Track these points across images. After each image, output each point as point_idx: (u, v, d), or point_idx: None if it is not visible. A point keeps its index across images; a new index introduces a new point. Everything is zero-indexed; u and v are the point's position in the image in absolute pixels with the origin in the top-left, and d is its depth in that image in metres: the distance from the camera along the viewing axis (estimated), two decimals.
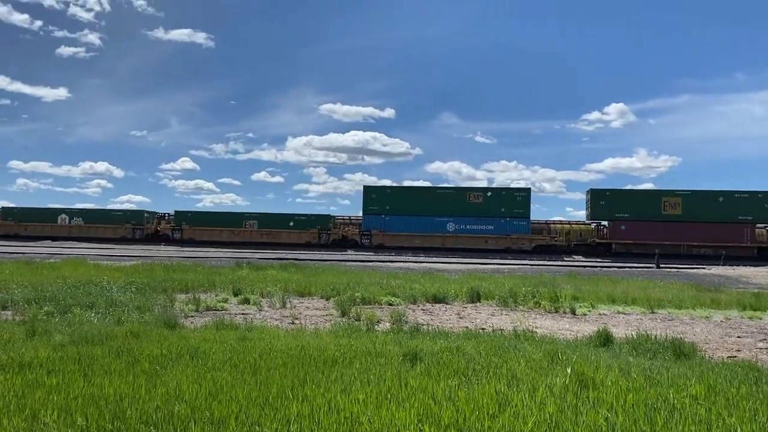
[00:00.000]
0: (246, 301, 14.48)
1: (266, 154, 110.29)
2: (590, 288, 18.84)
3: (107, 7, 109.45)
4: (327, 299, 15.36)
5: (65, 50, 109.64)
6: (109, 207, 60.63)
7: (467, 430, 4.58)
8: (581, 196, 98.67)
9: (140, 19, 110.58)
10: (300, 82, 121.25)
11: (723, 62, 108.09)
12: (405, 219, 51.14)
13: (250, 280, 18.30)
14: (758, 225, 47.86)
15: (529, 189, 51.28)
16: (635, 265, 38.64)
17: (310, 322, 11.55)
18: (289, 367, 6.74)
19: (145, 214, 57.49)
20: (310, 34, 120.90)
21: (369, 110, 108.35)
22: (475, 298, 16.05)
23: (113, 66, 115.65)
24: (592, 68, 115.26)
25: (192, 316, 12.14)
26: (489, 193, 51.43)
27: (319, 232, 52.91)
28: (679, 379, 6.36)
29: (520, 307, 14.97)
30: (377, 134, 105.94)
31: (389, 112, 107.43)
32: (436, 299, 15.66)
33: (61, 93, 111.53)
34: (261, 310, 13.35)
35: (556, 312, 14.36)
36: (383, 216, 51.45)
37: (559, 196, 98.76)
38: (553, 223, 53.10)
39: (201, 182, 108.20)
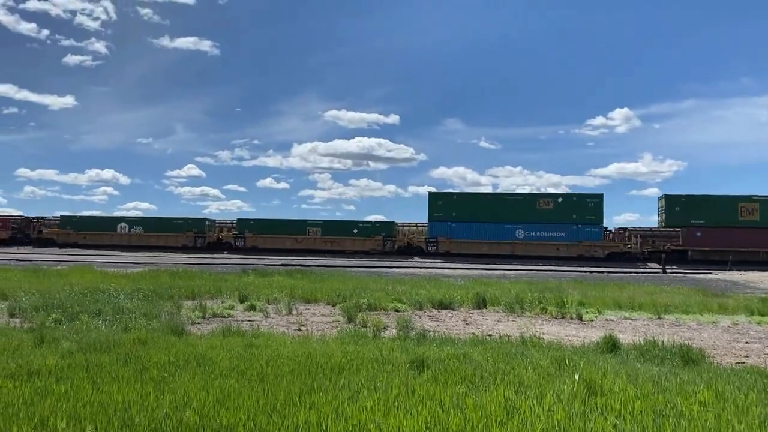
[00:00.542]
0: (252, 308, 14.49)
1: (271, 160, 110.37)
2: (596, 294, 18.78)
3: (113, 16, 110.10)
4: (333, 305, 15.37)
5: (72, 59, 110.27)
6: (170, 215, 58.62)
7: None
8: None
9: (146, 27, 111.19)
10: (305, 89, 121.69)
11: (728, 66, 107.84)
12: (472, 226, 49.72)
13: (257, 287, 18.32)
14: None
15: (602, 195, 49.42)
16: (641, 270, 38.51)
17: (316, 328, 11.56)
18: (296, 374, 6.75)
19: (207, 222, 56.72)
20: (314, 41, 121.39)
21: (374, 116, 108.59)
22: (481, 303, 16.03)
23: (119, 74, 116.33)
24: (597, 73, 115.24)
25: (199, 323, 12.16)
26: (560, 199, 50.13)
27: (383, 239, 52.06)
28: (688, 386, 6.34)
29: (527, 313, 14.94)
30: (382, 140, 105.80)
31: (394, 118, 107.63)
32: (442, 305, 15.65)
33: (68, 101, 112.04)
34: (267, 317, 13.36)
35: (563, 318, 14.32)
36: (449, 223, 50.16)
37: None
38: (626, 230, 50.80)
39: (207, 189, 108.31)
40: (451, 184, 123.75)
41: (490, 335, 10.88)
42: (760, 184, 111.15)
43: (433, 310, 15.28)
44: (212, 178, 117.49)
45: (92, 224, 58.37)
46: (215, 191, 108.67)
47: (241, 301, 15.46)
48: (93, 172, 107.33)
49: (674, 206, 47.78)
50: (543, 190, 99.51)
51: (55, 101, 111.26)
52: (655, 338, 9.65)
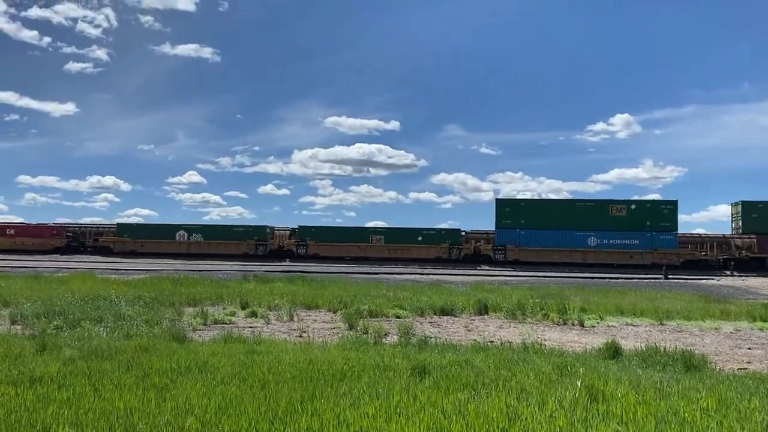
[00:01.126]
0: (254, 314, 14.50)
1: (272, 167, 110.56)
2: (598, 300, 18.77)
3: (114, 24, 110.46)
4: (334, 312, 15.37)
5: (73, 66, 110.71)
6: (230, 223, 58.67)
7: None
8: None
9: (147, 34, 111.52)
10: (305, 96, 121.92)
11: (729, 72, 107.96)
12: (542, 233, 48.60)
13: (258, 293, 18.32)
14: None
15: (676, 202, 48.07)
16: (643, 276, 38.46)
17: (317, 335, 11.56)
18: (298, 381, 6.74)
19: (267, 230, 55.99)
20: (314, 48, 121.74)
21: (374, 123, 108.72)
22: (482, 310, 16.01)
23: (120, 81, 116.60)
24: (598, 79, 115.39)
25: (200, 330, 12.16)
26: (633, 206, 48.74)
27: (449, 246, 51.21)
28: (690, 392, 6.33)
29: (528, 319, 14.92)
30: (382, 146, 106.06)
31: (394, 125, 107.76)
32: (444, 312, 15.63)
33: (69, 108, 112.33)
34: (269, 324, 13.36)
35: (565, 324, 14.31)
36: (518, 230, 49.15)
37: None
38: (700, 237, 49.70)
39: (208, 195, 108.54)
40: (452, 190, 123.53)
41: (491, 342, 10.86)
42: (762, 189, 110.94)
43: (435, 316, 15.26)
44: (213, 185, 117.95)
45: (150, 232, 57.35)
46: (216, 198, 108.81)
47: (243, 308, 15.46)
48: (94, 179, 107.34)
49: (751, 213, 46.98)
50: (544, 196, 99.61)
51: (56, 108, 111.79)
52: (657, 344, 9.64)
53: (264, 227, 56.12)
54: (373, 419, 5.16)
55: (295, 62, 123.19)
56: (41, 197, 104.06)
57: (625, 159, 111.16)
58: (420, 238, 52.21)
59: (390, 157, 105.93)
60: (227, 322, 13.41)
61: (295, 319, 13.98)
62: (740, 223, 47.90)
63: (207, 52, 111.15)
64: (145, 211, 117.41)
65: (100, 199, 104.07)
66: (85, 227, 61.35)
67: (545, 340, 11.26)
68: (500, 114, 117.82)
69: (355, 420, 5.12)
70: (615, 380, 6.77)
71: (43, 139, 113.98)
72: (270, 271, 34.59)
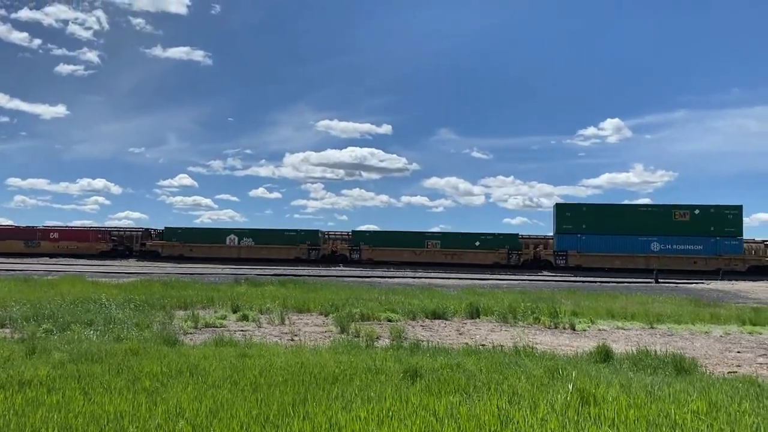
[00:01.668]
0: (245, 318, 14.44)
1: (264, 170, 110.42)
2: (589, 303, 18.82)
3: (105, 26, 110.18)
4: (326, 315, 15.34)
5: (64, 68, 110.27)
6: (281, 227, 57.38)
7: None
8: None
9: (138, 37, 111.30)
10: (297, 99, 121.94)
11: (719, 78, 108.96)
12: (603, 238, 47.91)
13: (249, 297, 18.26)
14: None
15: (741, 207, 47.59)
16: (634, 280, 38.63)
17: (309, 338, 11.53)
18: (290, 385, 6.72)
19: (320, 234, 55.46)
20: (307, 51, 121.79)
21: (366, 126, 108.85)
22: (474, 313, 16.02)
23: (111, 83, 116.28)
24: (588, 84, 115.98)
25: (191, 333, 12.11)
26: (696, 211, 48.05)
27: (508, 252, 50.68)
28: (681, 395, 6.35)
29: (520, 322, 14.94)
30: (374, 150, 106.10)
31: (386, 128, 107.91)
32: (436, 315, 15.64)
33: (60, 110, 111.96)
34: (260, 327, 13.32)
35: (556, 327, 14.34)
36: (579, 235, 48.51)
37: None
38: (764, 242, 49.50)
39: (199, 198, 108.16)
40: (444, 194, 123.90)
41: (483, 345, 10.88)
42: (751, 194, 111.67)
43: (427, 320, 15.26)
44: (204, 188, 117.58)
45: (199, 236, 56.48)
46: (207, 201, 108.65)
47: (234, 311, 15.39)
48: (84, 182, 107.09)
49: None
50: (535, 200, 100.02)
51: (46, 110, 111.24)
52: (648, 348, 9.68)
53: (316, 231, 55.63)
54: (365, 422, 5.15)
55: (287, 65, 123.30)
56: (31, 200, 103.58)
57: (616, 163, 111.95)
58: (477, 243, 51.52)
59: (382, 161, 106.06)
60: (218, 325, 13.36)
61: (287, 322, 13.94)
62: None
63: (199, 55, 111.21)
64: (136, 215, 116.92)
65: (91, 202, 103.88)
66: (132, 231, 60.63)
67: (537, 343, 11.28)
68: (492, 118, 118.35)
69: (347, 423, 5.11)
70: (606, 383, 6.79)
71: (33, 142, 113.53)
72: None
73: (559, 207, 50.38)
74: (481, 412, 5.50)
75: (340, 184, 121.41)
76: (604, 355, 9.46)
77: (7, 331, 11.63)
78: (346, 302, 16.90)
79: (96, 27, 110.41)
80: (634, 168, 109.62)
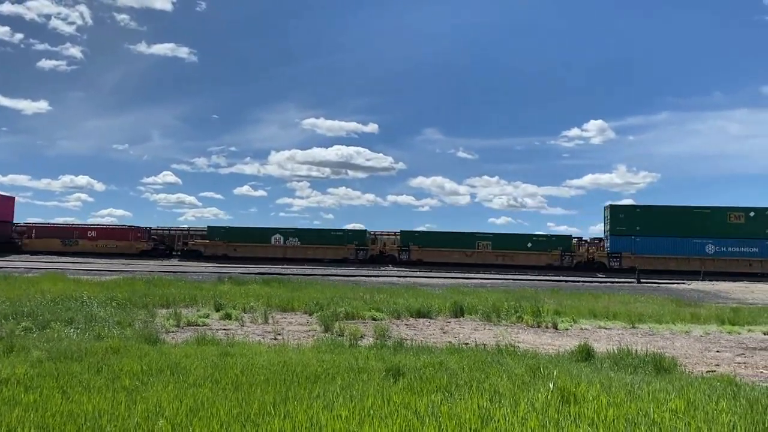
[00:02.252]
0: (228, 317, 14.37)
1: (249, 168, 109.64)
2: (572, 303, 18.95)
3: (89, 21, 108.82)
4: (310, 314, 15.30)
5: (46, 63, 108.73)
6: (328, 227, 56.55)
7: None
8: (562, 212, 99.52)
9: (122, 33, 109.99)
10: (283, 97, 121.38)
11: (701, 81, 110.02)
12: (657, 240, 47.26)
13: (232, 295, 18.17)
14: None
15: None
16: (617, 280, 38.95)
17: (292, 337, 11.49)
18: (271, 384, 6.70)
19: (368, 234, 54.51)
20: (293, 49, 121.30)
21: (352, 125, 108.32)
22: (458, 312, 16.07)
23: (95, 79, 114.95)
24: (572, 85, 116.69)
25: (173, 332, 12.02)
26: (752, 213, 47.25)
27: (561, 253, 49.70)
28: (660, 394, 6.41)
29: (503, 321, 15.01)
30: (360, 149, 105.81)
31: (372, 127, 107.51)
32: (420, 314, 15.66)
33: (42, 106, 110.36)
34: (243, 326, 13.26)
35: (539, 326, 14.42)
36: (633, 237, 47.79)
37: (540, 212, 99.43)
38: None
39: (183, 196, 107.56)
40: (429, 193, 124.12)
41: (466, 344, 10.91)
42: (731, 196, 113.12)
43: (411, 318, 15.28)
44: (188, 185, 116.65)
45: (243, 235, 55.17)
46: (191, 198, 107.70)
47: (217, 310, 15.31)
48: (67, 178, 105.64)
49: None
50: (519, 200, 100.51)
51: (28, 106, 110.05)
52: (629, 347, 9.76)
53: (364, 231, 54.83)
54: (346, 421, 5.14)
55: (273, 63, 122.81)
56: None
57: (599, 164, 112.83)
58: (530, 245, 50.68)
59: (368, 160, 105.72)
60: (201, 324, 13.28)
61: (270, 321, 13.89)
62: None
63: (183, 52, 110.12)
64: (119, 212, 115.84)
65: (73, 199, 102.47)
66: (174, 230, 59.58)
67: (519, 342, 11.34)
68: (477, 119, 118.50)
69: (328, 422, 5.10)
70: (587, 382, 6.83)
71: (15, 137, 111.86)
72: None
73: (612, 208, 49.64)
74: (462, 410, 5.51)
75: (326, 182, 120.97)
76: (586, 354, 9.53)
77: None
78: (331, 301, 16.88)
79: (79, 22, 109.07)
80: (617, 169, 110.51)
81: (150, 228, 59.37)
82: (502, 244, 51.30)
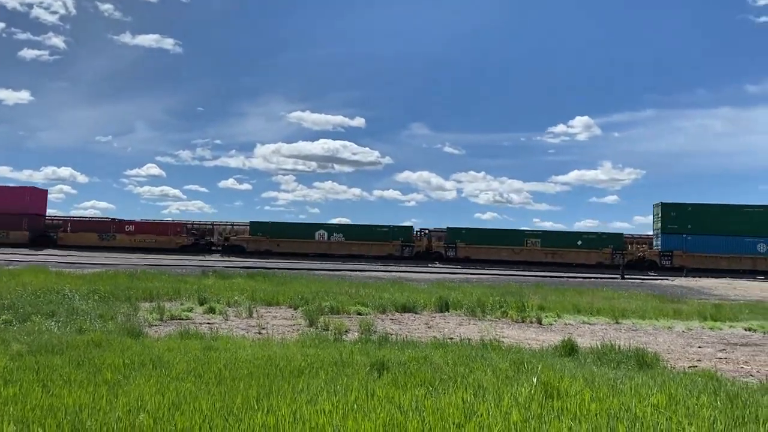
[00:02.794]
0: (212, 311, 14.28)
1: (234, 161, 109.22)
2: (556, 298, 19.06)
3: (72, 11, 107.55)
4: (295, 309, 15.25)
5: (28, 53, 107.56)
6: (364, 222, 55.39)
7: None
8: (548, 208, 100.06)
9: (106, 23, 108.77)
10: (269, 90, 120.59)
11: (686, 78, 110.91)
12: (709, 238, 46.98)
13: (216, 289, 18.07)
14: None
15: None
16: (601, 276, 39.24)
17: (277, 331, 11.45)
18: (255, 378, 6.67)
19: (414, 231, 53.99)
20: (279, 42, 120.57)
21: (339, 119, 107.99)
22: (443, 307, 16.10)
23: (78, 70, 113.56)
24: (558, 81, 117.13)
25: (156, 326, 11.94)
26: None
27: (612, 251, 49.17)
28: (642, 389, 6.46)
29: (488, 316, 15.06)
30: (347, 143, 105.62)
31: (359, 121, 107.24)
32: (405, 309, 15.67)
33: (24, 96, 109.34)
34: (227, 320, 13.19)
35: (523, 321, 14.49)
36: (685, 236, 47.49)
37: (526, 207, 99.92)
38: None
39: (167, 189, 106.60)
40: (416, 188, 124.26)
41: (451, 338, 10.93)
42: (715, 193, 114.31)
43: (396, 313, 15.28)
44: (173, 178, 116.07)
45: (286, 231, 54.64)
46: (176, 191, 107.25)
47: (201, 304, 15.21)
48: (49, 170, 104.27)
49: None
50: (505, 196, 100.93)
51: (9, 96, 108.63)
52: (612, 342, 9.83)
53: (410, 227, 54.34)
54: (329, 416, 5.12)
55: (259, 55, 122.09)
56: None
57: (585, 161, 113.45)
58: (580, 243, 50.28)
59: (354, 154, 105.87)
60: (184, 317, 13.19)
61: (255, 315, 13.82)
62: None
63: (168, 43, 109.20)
64: (103, 204, 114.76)
65: (56, 191, 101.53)
66: (215, 225, 58.86)
67: (504, 337, 11.38)
68: (464, 114, 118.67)
69: (312, 416, 5.08)
70: (570, 377, 6.88)
71: None
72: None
73: (664, 206, 49.29)
74: (445, 405, 5.51)
75: (312, 176, 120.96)
76: (570, 349, 9.58)
77: None
78: (316, 296, 16.83)
79: (62, 11, 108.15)
80: (602, 165, 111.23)
81: (192, 222, 58.75)
82: (551, 242, 50.96)
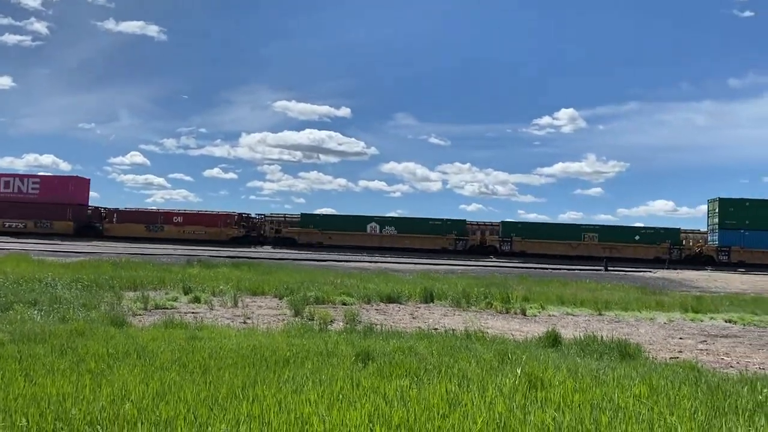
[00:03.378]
0: (197, 300, 14.23)
1: (219, 150, 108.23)
2: (540, 290, 19.19)
3: None
4: (280, 298, 15.23)
5: (10, 38, 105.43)
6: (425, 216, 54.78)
7: (417, 430, 4.61)
8: (533, 199, 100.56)
9: (90, 9, 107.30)
10: (254, 79, 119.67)
11: (670, 72, 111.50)
12: (765, 234, 46.68)
13: (202, 279, 18.00)
14: None
15: None
16: (584, 267, 39.56)
17: (262, 321, 11.43)
18: (240, 367, 6.66)
19: (467, 224, 53.64)
20: (266, 31, 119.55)
21: (325, 109, 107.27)
22: (428, 298, 16.16)
23: (61, 56, 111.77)
24: (544, 74, 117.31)
25: (140, 315, 11.87)
26: None
27: (670, 246, 48.80)
28: (624, 380, 6.54)
29: (473, 307, 15.14)
30: (333, 133, 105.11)
31: (345, 111, 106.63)
32: (390, 299, 15.71)
33: (5, 82, 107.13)
34: (212, 309, 13.15)
35: (507, 313, 14.59)
36: (743, 231, 47.15)
37: (511, 199, 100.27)
38: None
39: (151, 177, 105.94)
40: (401, 179, 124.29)
41: (435, 329, 10.98)
42: (696, 187, 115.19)
43: (381, 303, 15.32)
44: (157, 167, 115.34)
45: (338, 223, 54.13)
46: (160, 180, 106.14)
47: (186, 293, 15.15)
48: (31, 157, 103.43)
49: None
50: (491, 188, 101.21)
51: None
52: (595, 333, 9.92)
53: (463, 221, 53.97)
54: (314, 405, 5.13)
55: (245, 44, 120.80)
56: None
57: (569, 153, 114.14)
58: (637, 237, 50.01)
59: (340, 144, 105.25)
60: (169, 307, 13.13)
61: (240, 305, 13.79)
62: None
63: (153, 30, 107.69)
64: None
65: None
66: (268, 217, 58.07)
67: (488, 328, 11.45)
68: (450, 105, 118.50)
69: (297, 406, 5.09)
70: (554, 368, 6.94)
71: None
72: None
73: (722, 202, 48.75)
74: (430, 395, 5.55)
75: (298, 166, 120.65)
76: (553, 340, 9.66)
77: None
78: (302, 285, 16.82)
79: None
80: (586, 158, 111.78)
81: (244, 213, 57.83)
82: (609, 236, 50.65)
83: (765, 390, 6.32)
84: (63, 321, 9.74)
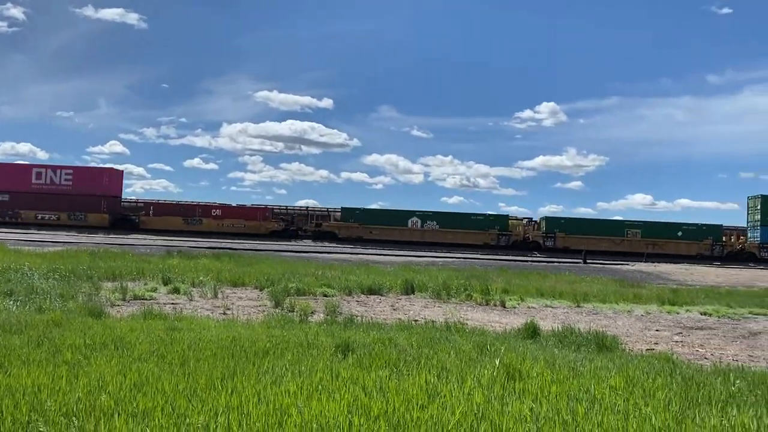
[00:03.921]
0: (176, 291, 14.14)
1: (200, 140, 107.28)
2: (520, 282, 19.34)
3: None
4: (261, 290, 15.18)
5: None
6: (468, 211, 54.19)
7: (396, 420, 4.63)
8: (514, 192, 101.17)
9: None
10: (235, 68, 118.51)
11: (650, 67, 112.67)
12: None
13: (181, 269, 17.86)
14: None
15: None
16: (564, 260, 39.92)
17: (242, 312, 11.39)
18: (219, 359, 6.63)
19: (510, 219, 53.08)
20: (247, 20, 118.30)
21: (306, 99, 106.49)
22: (409, 290, 16.22)
23: (38, 43, 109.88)
24: (525, 68, 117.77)
25: (118, 305, 11.76)
26: None
27: (712, 243, 49.15)
28: (601, 371, 6.62)
29: (453, 299, 15.22)
30: (315, 124, 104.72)
31: (327, 102, 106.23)
32: (371, 291, 15.74)
33: None
34: (192, 300, 13.07)
35: (487, 305, 14.69)
36: None
37: (492, 192, 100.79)
38: None
39: (131, 167, 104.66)
40: (383, 171, 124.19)
41: (416, 321, 11.02)
42: (674, 181, 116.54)
43: (362, 295, 15.34)
44: (136, 156, 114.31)
45: (379, 217, 53.39)
46: (140, 170, 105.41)
47: (165, 284, 15.04)
48: (8, 145, 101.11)
49: None
50: (472, 180, 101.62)
51: None
52: (573, 325, 10.04)
53: (506, 216, 53.60)
54: (294, 397, 5.13)
55: (226, 32, 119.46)
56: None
57: (550, 146, 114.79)
58: (680, 233, 49.96)
59: (322, 136, 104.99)
60: (148, 298, 13.02)
61: (220, 296, 13.72)
62: None
63: (133, 18, 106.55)
64: None
65: None
66: (307, 210, 57.38)
67: (468, 319, 11.52)
68: (432, 98, 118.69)
69: (276, 397, 5.08)
70: (532, 359, 7.00)
71: None
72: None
73: (764, 199, 48.37)
74: (409, 386, 5.57)
75: (279, 157, 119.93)
76: (532, 331, 9.76)
77: None
78: (282, 277, 16.77)
79: None
80: (567, 151, 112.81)
81: (285, 207, 57.40)
82: (652, 233, 50.70)
83: (738, 381, 6.45)
84: (39, 311, 9.63)
